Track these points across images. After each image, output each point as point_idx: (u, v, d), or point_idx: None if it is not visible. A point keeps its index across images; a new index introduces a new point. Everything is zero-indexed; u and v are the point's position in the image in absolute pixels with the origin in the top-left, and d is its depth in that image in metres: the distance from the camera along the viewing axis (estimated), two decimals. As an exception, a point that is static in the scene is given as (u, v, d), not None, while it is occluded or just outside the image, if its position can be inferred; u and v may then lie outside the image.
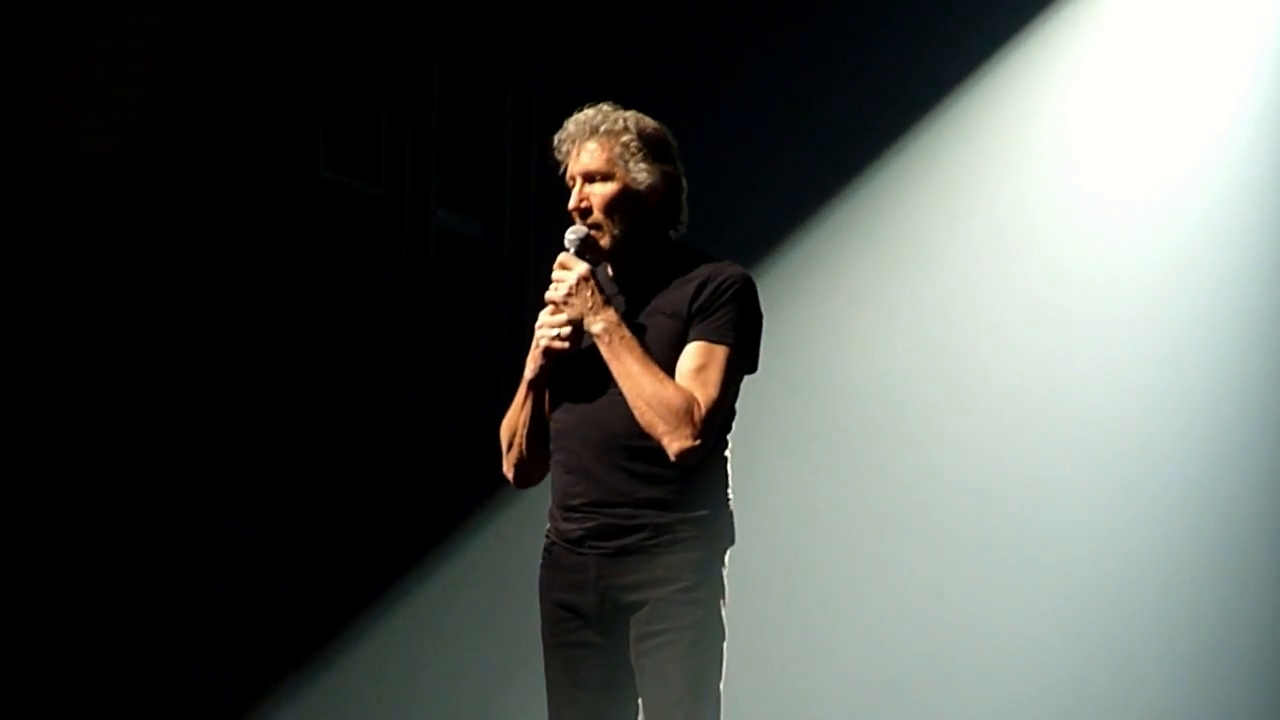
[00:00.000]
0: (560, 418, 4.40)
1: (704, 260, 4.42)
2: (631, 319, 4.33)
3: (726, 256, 7.39)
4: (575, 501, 4.35)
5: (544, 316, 4.34)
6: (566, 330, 4.30)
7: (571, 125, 4.40)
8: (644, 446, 4.29)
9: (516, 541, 7.29)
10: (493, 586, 7.29)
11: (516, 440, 4.43)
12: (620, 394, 4.29)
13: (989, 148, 7.35)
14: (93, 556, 6.72)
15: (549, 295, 4.33)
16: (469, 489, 7.34)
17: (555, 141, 4.42)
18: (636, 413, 4.26)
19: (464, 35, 7.62)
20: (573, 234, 4.37)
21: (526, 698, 7.10)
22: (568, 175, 4.39)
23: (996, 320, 7.31)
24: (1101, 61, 7.28)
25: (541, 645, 4.42)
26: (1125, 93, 7.26)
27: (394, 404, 7.38)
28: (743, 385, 4.34)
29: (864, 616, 7.36)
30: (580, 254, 4.35)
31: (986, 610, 7.27)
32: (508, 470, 4.45)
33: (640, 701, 4.33)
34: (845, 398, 7.43)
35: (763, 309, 4.39)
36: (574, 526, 4.35)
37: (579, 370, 4.34)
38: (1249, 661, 7.04)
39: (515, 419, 4.43)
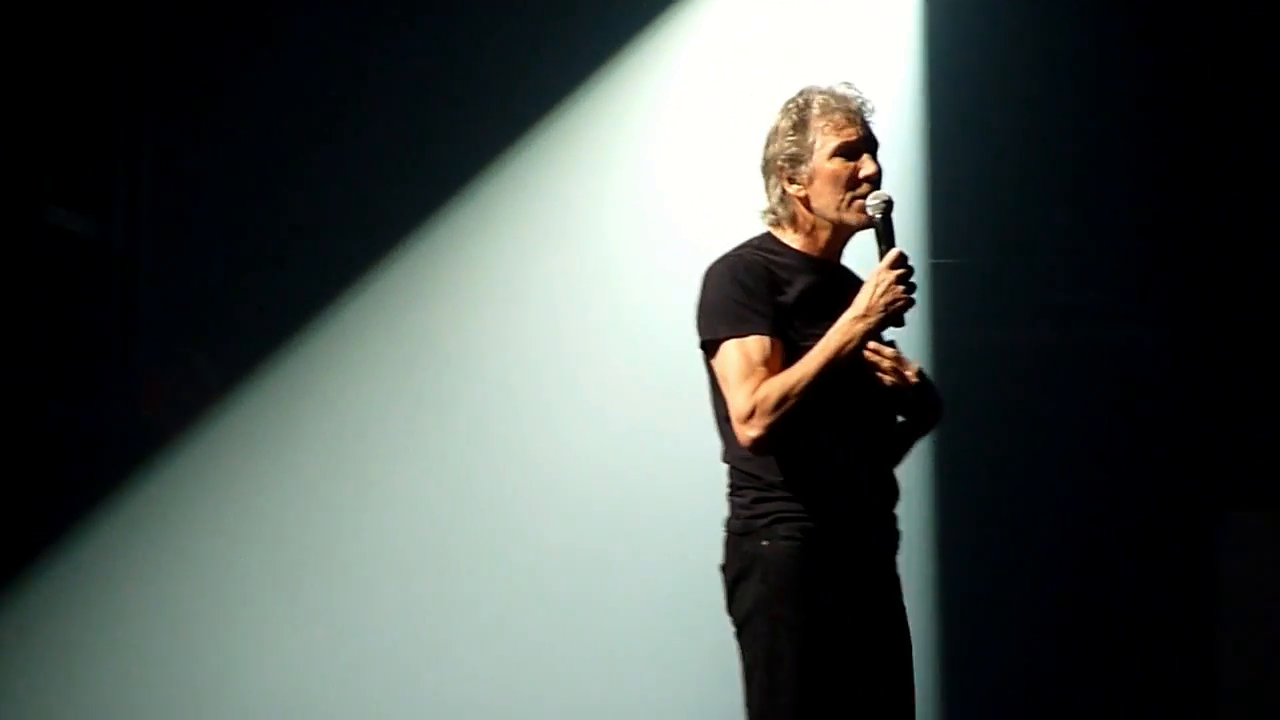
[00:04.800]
0: (844, 408, 4.54)
1: None
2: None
3: (348, 254, 7.32)
4: (863, 490, 4.59)
5: (890, 275, 4.49)
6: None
7: (859, 98, 4.64)
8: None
9: (130, 535, 7.17)
10: (106, 581, 7.14)
11: (802, 401, 4.48)
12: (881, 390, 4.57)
13: (570, 194, 7.33)
14: None
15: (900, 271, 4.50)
16: (77, 485, 7.18)
17: (854, 106, 4.62)
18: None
19: (71, 26, 7.44)
20: (881, 199, 4.58)
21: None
22: (855, 141, 4.59)
23: (578, 381, 7.30)
24: (698, 96, 7.31)
25: (784, 635, 4.51)
26: (730, 137, 7.13)
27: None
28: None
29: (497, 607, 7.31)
30: (886, 215, 4.55)
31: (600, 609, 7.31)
32: (774, 430, 4.48)
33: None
34: (455, 404, 7.34)
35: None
36: (863, 514, 4.58)
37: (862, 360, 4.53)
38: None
39: (807, 381, 4.49)
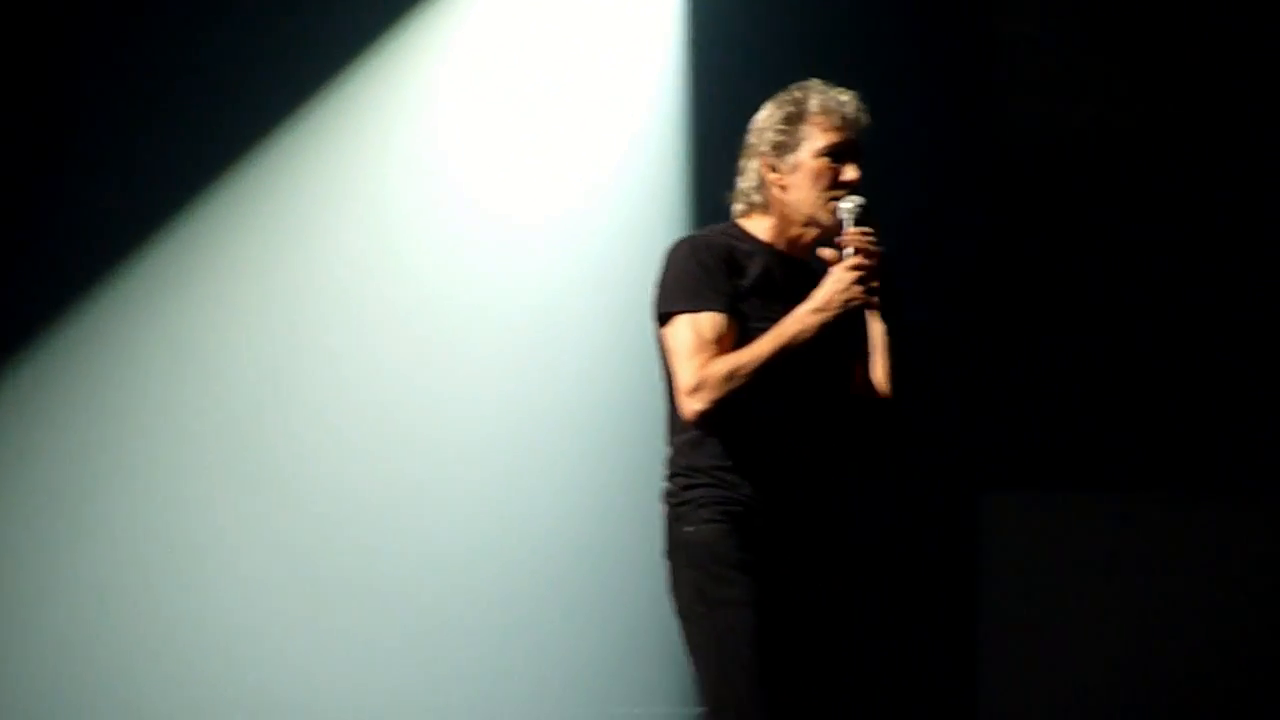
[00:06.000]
0: (786, 387, 4.61)
1: None
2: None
3: (122, 229, 7.14)
4: (793, 480, 4.66)
5: (850, 275, 4.60)
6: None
7: (853, 108, 4.74)
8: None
9: None
10: None
11: (750, 383, 4.57)
12: (824, 373, 4.67)
13: (351, 153, 7.21)
14: None
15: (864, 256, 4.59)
16: None
17: (851, 112, 4.74)
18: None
19: None
20: (855, 203, 4.67)
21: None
22: (844, 145, 4.72)
23: (353, 336, 7.18)
24: (477, 65, 7.25)
25: (723, 614, 4.59)
26: (511, 104, 7.25)
27: None
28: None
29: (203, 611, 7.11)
30: (858, 220, 4.65)
31: (323, 615, 7.14)
32: (717, 406, 4.57)
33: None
34: (195, 416, 7.14)
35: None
36: (791, 503, 4.65)
37: (816, 342, 4.61)
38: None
39: (757, 363, 4.57)
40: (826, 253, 4.71)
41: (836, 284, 4.61)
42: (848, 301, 4.60)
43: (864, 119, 4.76)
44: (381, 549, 7.13)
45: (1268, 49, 7.52)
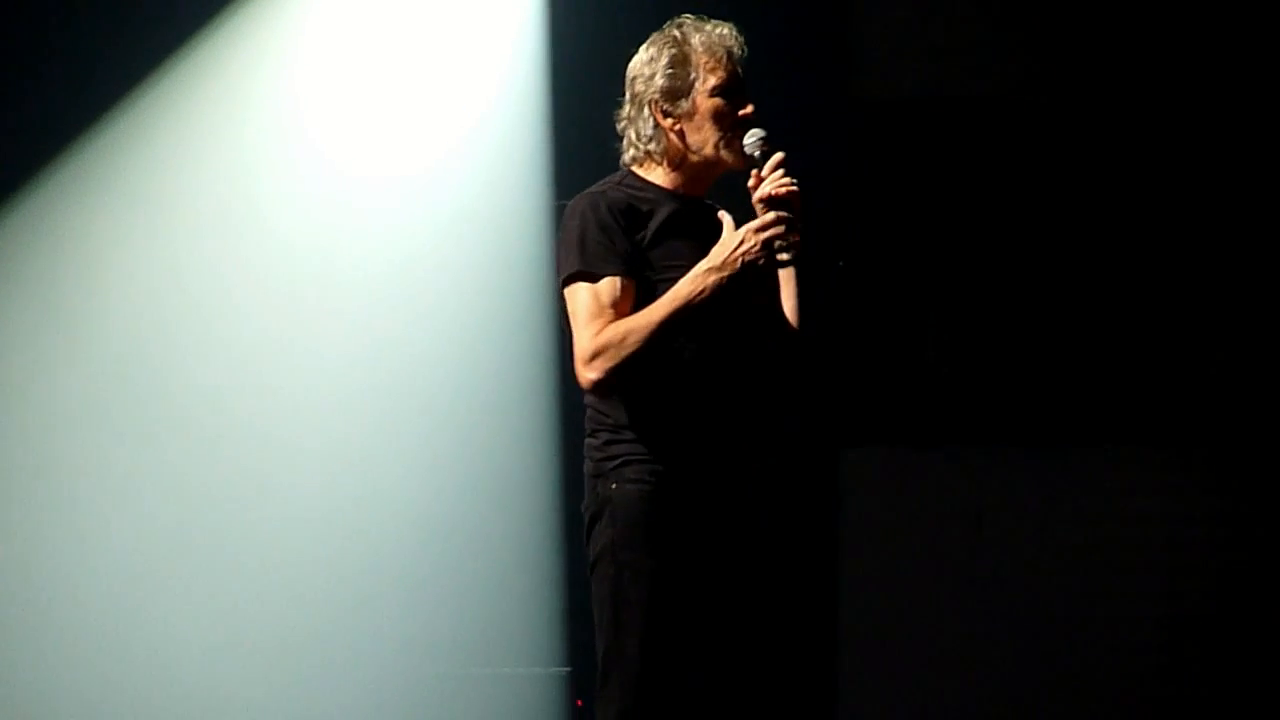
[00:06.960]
0: (700, 347, 4.56)
1: None
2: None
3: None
4: (715, 434, 4.60)
5: (761, 237, 4.50)
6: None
7: (734, 40, 4.65)
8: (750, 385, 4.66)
9: None
10: None
11: (646, 347, 4.49)
12: (738, 324, 4.60)
13: (211, 118, 7.17)
14: None
15: (788, 189, 4.52)
16: None
17: (732, 45, 4.65)
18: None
19: None
20: (757, 137, 4.59)
21: None
22: (734, 81, 4.63)
23: (226, 304, 7.14)
24: (336, 25, 7.23)
25: (630, 579, 4.54)
26: (371, 66, 7.22)
27: None
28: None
29: (114, 609, 7.11)
30: (765, 154, 4.56)
31: (229, 605, 7.12)
32: (613, 374, 4.51)
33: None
34: (62, 387, 7.11)
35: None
36: (714, 458, 4.59)
37: (727, 301, 4.52)
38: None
39: (652, 329, 4.50)
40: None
41: (741, 244, 4.53)
42: (748, 262, 4.51)
43: (744, 49, 4.68)
44: (249, 506, 7.10)
45: (1129, 19, 7.60)
